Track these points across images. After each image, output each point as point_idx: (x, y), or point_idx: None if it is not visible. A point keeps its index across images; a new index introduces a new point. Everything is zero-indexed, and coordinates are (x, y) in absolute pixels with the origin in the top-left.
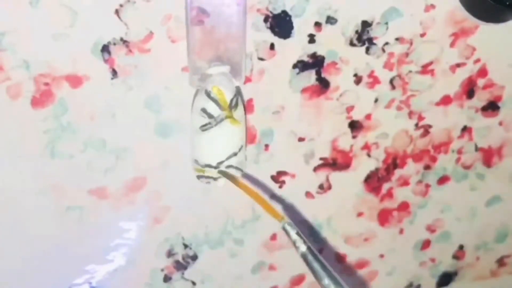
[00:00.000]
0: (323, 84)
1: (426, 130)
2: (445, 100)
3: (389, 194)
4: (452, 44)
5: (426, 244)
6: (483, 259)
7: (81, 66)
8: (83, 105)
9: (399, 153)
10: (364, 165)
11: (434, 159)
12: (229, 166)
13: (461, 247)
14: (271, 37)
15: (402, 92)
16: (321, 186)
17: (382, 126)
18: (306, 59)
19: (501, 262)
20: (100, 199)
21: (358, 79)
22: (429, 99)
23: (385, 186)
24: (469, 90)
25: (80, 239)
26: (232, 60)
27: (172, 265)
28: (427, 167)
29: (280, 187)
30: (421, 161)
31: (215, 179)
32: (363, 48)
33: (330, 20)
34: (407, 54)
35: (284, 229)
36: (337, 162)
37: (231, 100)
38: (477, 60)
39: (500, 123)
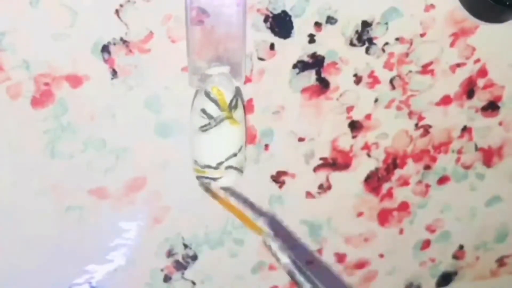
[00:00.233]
0: (323, 84)
1: (426, 130)
2: (445, 100)
3: (389, 194)
4: (452, 44)
5: (426, 244)
6: (483, 259)
7: (81, 66)
8: (83, 105)
9: (399, 153)
10: (364, 165)
11: (434, 159)
12: (228, 167)
13: (461, 247)
14: (271, 37)
15: (402, 92)
16: (321, 186)
17: (382, 126)
18: (306, 59)
19: (501, 262)
20: (100, 199)
21: (358, 79)
22: (429, 99)
23: (385, 186)
24: (469, 90)
25: (80, 239)
26: (232, 60)
27: (172, 265)
28: (427, 167)
29: (280, 187)
30: (421, 161)
31: (214, 179)
32: (363, 48)
33: (330, 20)
34: (407, 54)
35: (264, 242)
36: (337, 162)
37: (231, 101)
38: (477, 60)
39: (500, 123)
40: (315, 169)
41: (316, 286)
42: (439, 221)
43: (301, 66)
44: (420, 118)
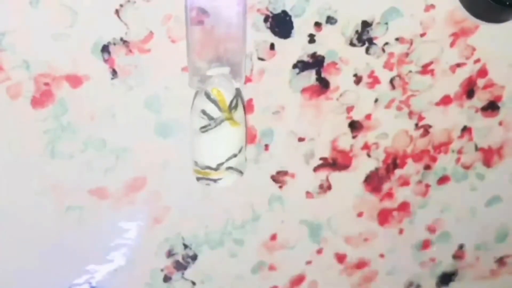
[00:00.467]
0: (323, 84)
1: (426, 130)
2: (445, 100)
3: (389, 194)
4: (452, 44)
5: (426, 244)
6: (483, 259)
7: (81, 66)
8: (83, 105)
9: (399, 153)
10: (364, 165)
11: (434, 159)
12: (229, 168)
13: (461, 247)
14: (271, 37)
15: (402, 92)
16: (321, 186)
17: (382, 126)
18: (306, 59)
19: (501, 262)
20: (100, 199)
21: (358, 79)
22: (429, 99)
23: (385, 186)
24: (469, 90)
25: (80, 239)
26: (232, 61)
27: (172, 265)
28: (427, 167)
29: (280, 187)
30: (421, 161)
31: (215, 181)
32: (363, 48)
33: (330, 20)
34: (407, 54)
35: None
36: (337, 162)
37: (231, 102)
38: (477, 60)
39: (500, 123)
40: (315, 169)
41: None
42: (439, 221)
43: (301, 66)
44: (420, 118)
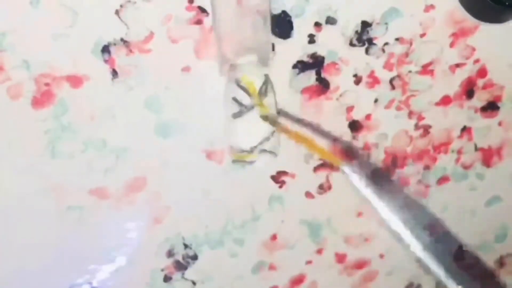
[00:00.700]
0: (323, 84)
1: (426, 130)
2: (445, 100)
3: None
4: (452, 44)
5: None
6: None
7: (81, 66)
8: (84, 105)
9: (399, 153)
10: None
11: (434, 159)
12: (262, 150)
13: (461, 247)
14: (271, 37)
15: (402, 92)
16: (321, 186)
17: (382, 126)
18: (306, 59)
19: (501, 262)
20: (100, 199)
21: (358, 79)
22: (429, 99)
23: None
24: (469, 90)
25: (80, 239)
26: (259, 48)
27: (172, 265)
28: (427, 167)
29: (280, 187)
30: (421, 161)
31: (250, 163)
32: (363, 48)
33: (330, 20)
34: (407, 54)
35: (342, 171)
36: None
37: (260, 88)
38: (477, 60)
39: (500, 123)
40: (315, 169)
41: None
42: (439, 221)
43: (301, 66)
44: (420, 118)
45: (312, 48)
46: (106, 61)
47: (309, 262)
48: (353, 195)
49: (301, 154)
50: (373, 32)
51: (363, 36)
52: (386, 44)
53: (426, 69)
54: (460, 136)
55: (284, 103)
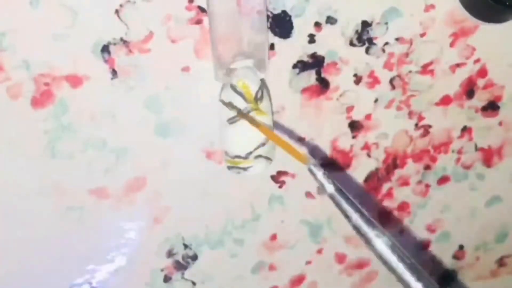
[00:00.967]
0: (323, 84)
1: (426, 130)
2: (445, 100)
3: (389, 194)
4: (452, 44)
5: (426, 244)
6: (483, 259)
7: (81, 66)
8: (83, 105)
9: (399, 153)
10: (364, 165)
11: (434, 159)
12: (258, 156)
13: (461, 247)
14: (271, 37)
15: (402, 92)
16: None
17: (382, 126)
18: (306, 59)
19: (501, 262)
20: (100, 199)
21: (358, 79)
22: (429, 99)
23: (385, 186)
24: (469, 90)
25: (80, 239)
26: (255, 53)
27: (172, 265)
28: (427, 167)
29: (280, 187)
30: (421, 161)
31: (245, 169)
32: (363, 48)
33: (330, 20)
34: (407, 54)
35: (310, 170)
36: (337, 162)
37: (256, 93)
38: (477, 60)
39: (500, 123)
40: None
41: (363, 215)
42: (439, 221)
43: (301, 66)
44: (420, 118)
45: (312, 48)
46: (106, 61)
47: (309, 262)
48: (353, 195)
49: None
50: (373, 32)
51: (363, 36)
52: (386, 44)
53: (426, 69)
54: (460, 136)
55: (284, 103)
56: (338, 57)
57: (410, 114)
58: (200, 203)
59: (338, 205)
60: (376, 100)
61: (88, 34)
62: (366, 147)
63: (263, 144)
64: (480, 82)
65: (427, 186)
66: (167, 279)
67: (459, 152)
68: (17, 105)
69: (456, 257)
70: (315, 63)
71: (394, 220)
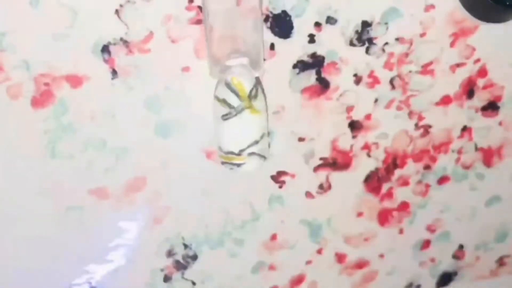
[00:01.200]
0: (323, 84)
1: (426, 130)
2: (445, 100)
3: (389, 194)
4: (452, 44)
5: (426, 244)
6: (483, 259)
7: (81, 66)
8: (83, 105)
9: (399, 153)
10: (364, 165)
11: (434, 159)
12: (251, 153)
13: (461, 247)
14: (271, 37)
15: (402, 92)
16: (321, 186)
17: (382, 126)
18: (306, 59)
19: (501, 262)
20: (100, 199)
21: (358, 79)
22: (429, 99)
23: (385, 186)
24: (469, 90)
25: (80, 239)
26: (250, 51)
27: (172, 265)
28: (427, 167)
29: (280, 187)
30: (421, 161)
31: (238, 165)
32: (363, 48)
33: (330, 20)
34: (407, 54)
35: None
36: (337, 162)
37: (251, 91)
38: (477, 60)
39: (500, 123)
40: (315, 169)
41: None
42: (439, 221)
43: (301, 66)
44: (420, 118)
45: (312, 48)
46: (106, 61)
47: (309, 262)
48: (353, 195)
49: (301, 154)
50: (373, 32)
51: (363, 36)
52: (386, 44)
53: (426, 69)
54: (460, 136)
55: (284, 103)
56: (338, 57)
57: (410, 114)
58: (200, 203)
59: None
60: (376, 100)
61: (88, 34)
62: (366, 147)
63: (256, 142)
64: (480, 82)
65: (427, 186)
66: (167, 279)
67: (459, 152)
68: (17, 105)
69: (456, 257)
70: (315, 63)
71: (394, 220)
